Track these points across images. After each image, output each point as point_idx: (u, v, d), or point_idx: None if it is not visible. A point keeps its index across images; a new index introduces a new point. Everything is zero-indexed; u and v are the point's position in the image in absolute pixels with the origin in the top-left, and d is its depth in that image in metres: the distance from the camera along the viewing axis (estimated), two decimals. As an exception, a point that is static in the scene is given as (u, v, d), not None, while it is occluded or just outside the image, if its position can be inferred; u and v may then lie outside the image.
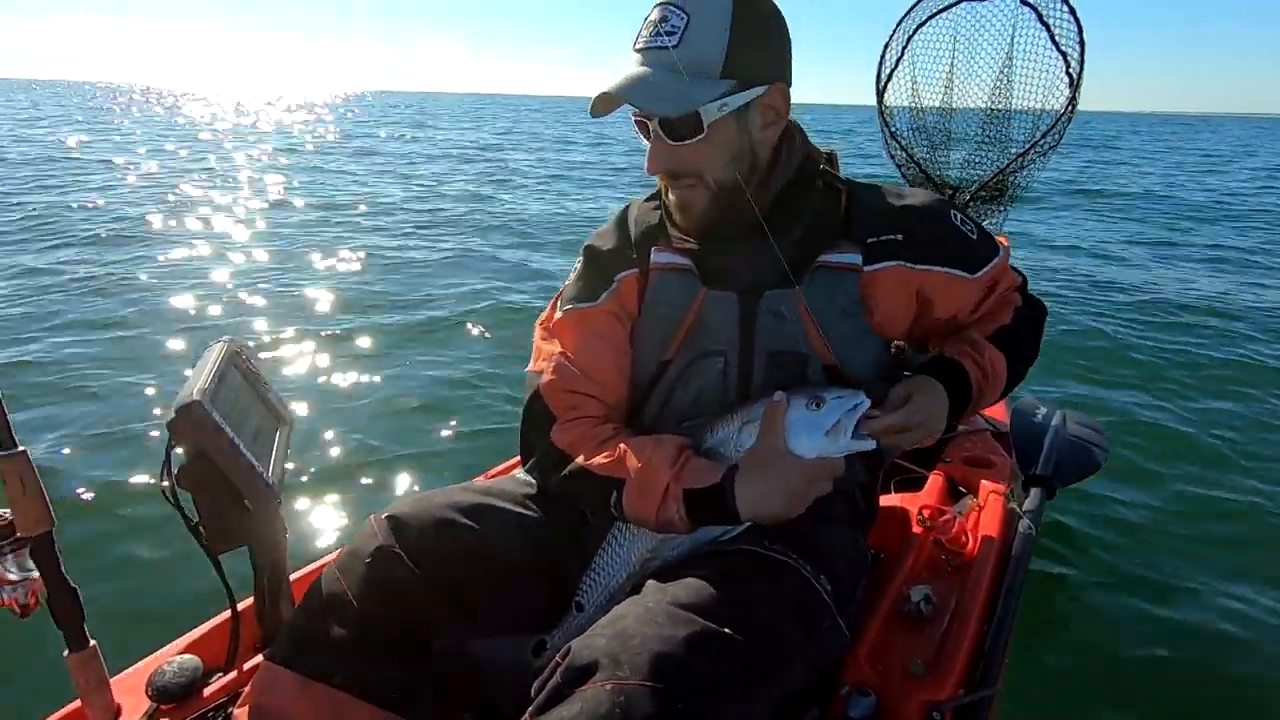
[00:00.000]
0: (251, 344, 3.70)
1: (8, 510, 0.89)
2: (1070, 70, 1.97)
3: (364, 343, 3.90)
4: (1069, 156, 17.40)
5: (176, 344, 3.75)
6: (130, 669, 1.08)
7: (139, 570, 2.02)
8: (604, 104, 0.88)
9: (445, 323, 4.30)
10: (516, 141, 21.43)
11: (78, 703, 0.98)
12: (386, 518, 0.95)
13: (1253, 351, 4.06)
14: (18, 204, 7.55)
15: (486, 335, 4.11)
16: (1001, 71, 2.17)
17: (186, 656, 1.07)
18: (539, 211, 8.72)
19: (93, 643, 0.97)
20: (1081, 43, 1.93)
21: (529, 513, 1.02)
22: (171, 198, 8.45)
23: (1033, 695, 1.60)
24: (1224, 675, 1.73)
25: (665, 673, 0.69)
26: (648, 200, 1.05)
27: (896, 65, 2.25)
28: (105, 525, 2.19)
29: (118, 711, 1.00)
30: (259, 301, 4.60)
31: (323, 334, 3.98)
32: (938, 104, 2.30)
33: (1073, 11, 1.93)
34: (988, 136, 2.26)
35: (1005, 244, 1.04)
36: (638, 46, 0.88)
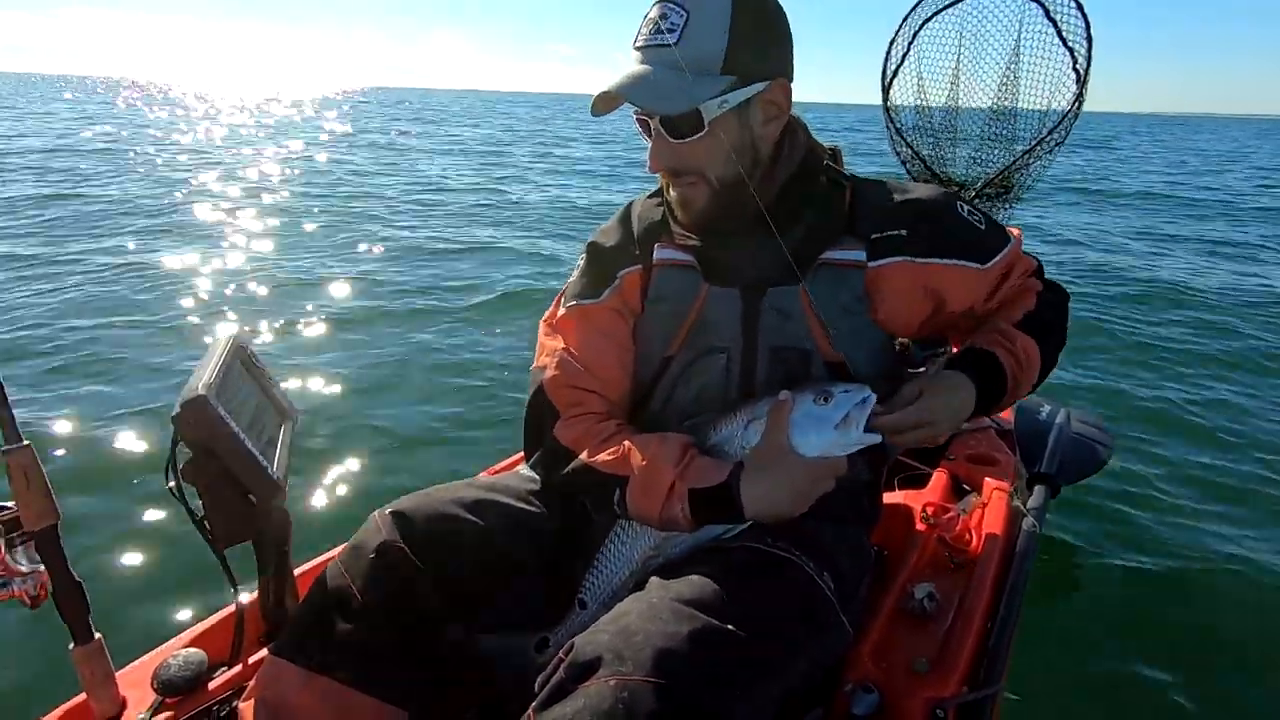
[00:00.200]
0: (255, 338, 3.73)
1: (13, 504, 0.89)
2: (1077, 66, 1.96)
3: (368, 337, 3.91)
4: (1069, 155, 17.32)
5: (181, 338, 3.76)
6: (135, 662, 1.08)
7: (144, 564, 2.04)
8: (605, 103, 0.88)
9: (450, 318, 4.31)
10: (521, 137, 21.42)
11: (83, 696, 0.99)
12: (391, 513, 0.96)
13: (1259, 344, 4.05)
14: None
15: (492, 331, 4.11)
16: (1008, 67, 2.16)
17: (191, 650, 1.07)
18: (541, 203, 8.72)
19: (98, 636, 0.97)
20: (1089, 38, 1.92)
21: (533, 509, 1.02)
22: (178, 195, 8.47)
23: (1036, 692, 1.60)
24: (1229, 675, 1.73)
25: (668, 669, 0.69)
26: (650, 197, 1.05)
27: (902, 61, 2.23)
28: (110, 520, 2.20)
29: (123, 704, 1.00)
30: (262, 294, 4.61)
31: (327, 328, 4.00)
32: (943, 100, 2.28)
33: (1080, 6, 1.91)
34: (993, 133, 2.24)
35: (1018, 234, 1.03)
36: (638, 44, 0.87)
